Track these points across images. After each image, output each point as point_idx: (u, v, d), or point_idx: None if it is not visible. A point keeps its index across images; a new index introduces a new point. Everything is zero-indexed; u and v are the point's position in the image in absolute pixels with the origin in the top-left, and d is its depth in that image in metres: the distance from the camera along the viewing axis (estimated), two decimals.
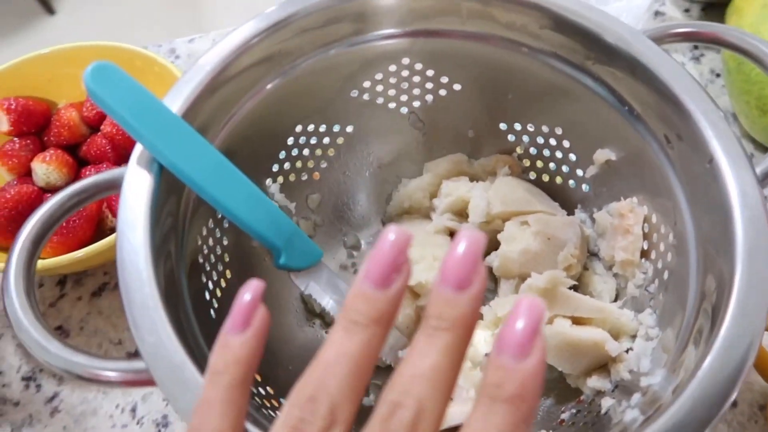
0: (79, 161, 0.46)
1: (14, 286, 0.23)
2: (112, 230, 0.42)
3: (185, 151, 0.26)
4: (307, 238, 0.30)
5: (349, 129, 0.39)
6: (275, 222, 0.29)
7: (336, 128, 0.39)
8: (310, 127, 0.38)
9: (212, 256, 0.32)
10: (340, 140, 0.40)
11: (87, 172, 0.44)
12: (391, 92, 0.39)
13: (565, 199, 0.38)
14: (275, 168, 0.37)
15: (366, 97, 0.38)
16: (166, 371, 0.22)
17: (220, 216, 0.33)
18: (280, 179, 0.38)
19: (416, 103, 0.40)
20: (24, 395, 0.41)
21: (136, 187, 0.26)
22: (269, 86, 0.32)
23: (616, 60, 0.31)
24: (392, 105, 0.40)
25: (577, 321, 0.31)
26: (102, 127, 0.45)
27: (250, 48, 0.29)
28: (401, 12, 0.33)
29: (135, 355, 0.43)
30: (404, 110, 0.40)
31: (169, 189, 0.28)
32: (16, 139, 0.46)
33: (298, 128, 0.37)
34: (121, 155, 0.45)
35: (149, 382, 0.23)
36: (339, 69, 0.35)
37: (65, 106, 0.47)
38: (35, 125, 0.46)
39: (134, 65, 0.45)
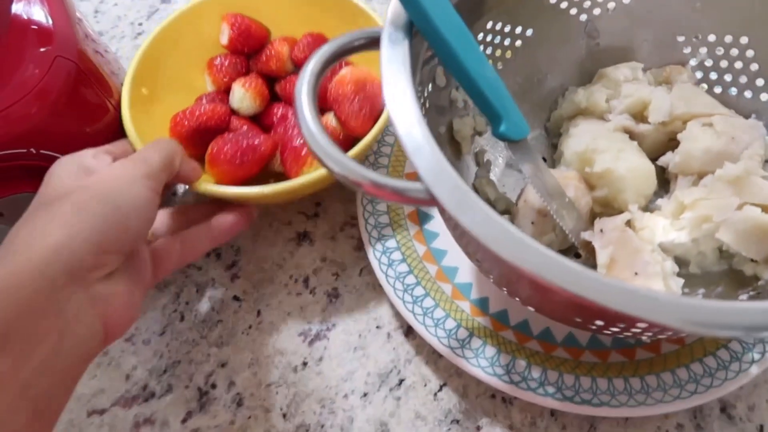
0: (272, 94, 0.47)
1: (307, 110, 0.27)
2: (277, 175, 0.42)
3: (444, 14, 0.29)
4: (519, 113, 0.33)
5: (529, 32, 0.42)
6: (501, 92, 0.32)
7: (518, 30, 0.41)
8: (498, 26, 0.40)
9: None
10: (518, 43, 0.42)
11: (276, 110, 0.45)
12: None
13: (737, 110, 0.40)
14: None
15: (553, 0, 0.40)
16: (447, 190, 0.25)
17: (426, 94, 0.36)
18: None
19: (597, 11, 0.42)
20: (205, 262, 0.46)
21: (396, 45, 0.29)
22: None
23: None
24: (573, 11, 0.42)
25: (766, 210, 0.33)
26: None
27: None
28: None
29: (304, 237, 0.46)
30: (583, 17, 0.42)
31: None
32: (228, 54, 0.47)
33: (489, 24, 0.39)
34: None
35: (426, 201, 0.26)
36: None
37: (279, 39, 0.47)
38: (249, 47, 0.47)
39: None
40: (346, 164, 0.26)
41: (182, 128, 0.42)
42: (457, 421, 0.38)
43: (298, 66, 0.47)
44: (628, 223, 0.36)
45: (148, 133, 0.41)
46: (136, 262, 0.32)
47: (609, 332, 0.30)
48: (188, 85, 0.47)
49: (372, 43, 0.30)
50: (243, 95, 0.44)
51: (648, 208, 0.39)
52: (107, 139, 0.41)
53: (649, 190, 0.38)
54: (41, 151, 0.37)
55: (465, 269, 0.41)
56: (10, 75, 0.35)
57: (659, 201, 0.38)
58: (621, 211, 0.38)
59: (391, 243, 0.42)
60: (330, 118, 0.42)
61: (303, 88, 0.27)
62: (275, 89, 0.47)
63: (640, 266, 0.34)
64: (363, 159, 0.41)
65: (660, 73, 0.42)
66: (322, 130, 0.27)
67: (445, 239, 0.42)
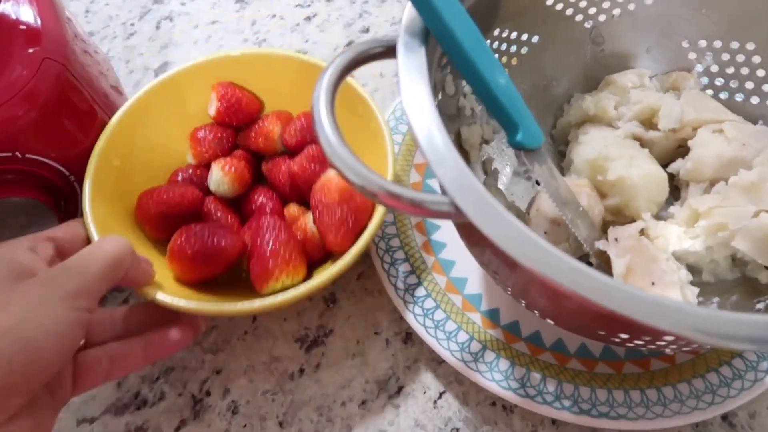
0: (256, 172, 0.43)
1: (326, 121, 0.26)
2: (246, 273, 0.37)
3: (459, 20, 0.28)
4: (534, 121, 0.32)
5: (535, 39, 0.41)
6: (516, 100, 0.31)
7: (524, 37, 0.41)
8: (504, 33, 0.39)
9: None
10: (524, 50, 0.41)
11: (258, 197, 0.41)
12: (582, 4, 0.40)
13: (744, 116, 0.39)
14: None
15: (558, 6, 0.40)
16: (473, 202, 0.24)
17: (436, 102, 0.35)
18: None
19: (602, 18, 0.41)
20: None
21: (412, 53, 0.28)
22: None
23: None
24: (579, 17, 0.41)
25: None
26: (292, 162, 0.41)
27: None
28: None
29: None
30: (588, 24, 0.42)
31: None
32: (214, 125, 0.43)
33: (496, 32, 0.39)
34: (296, 193, 0.41)
35: (447, 214, 0.25)
36: None
37: (273, 116, 0.43)
38: (238, 121, 0.43)
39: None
40: (366, 176, 0.25)
41: (148, 211, 0.38)
42: (457, 429, 0.37)
43: (287, 148, 0.42)
44: (642, 232, 0.36)
45: (114, 212, 0.37)
46: (51, 385, 0.28)
47: (631, 345, 0.29)
48: (168, 153, 0.43)
49: (389, 51, 0.29)
50: (221, 179, 0.40)
51: (659, 215, 0.38)
52: (94, 144, 0.40)
53: (661, 197, 0.38)
54: (27, 156, 0.35)
55: (474, 280, 0.40)
56: None
57: (671, 209, 0.37)
58: (632, 220, 0.38)
59: (400, 255, 0.41)
60: (308, 221, 0.38)
61: (321, 100, 0.26)
62: (261, 168, 0.43)
63: (657, 275, 0.33)
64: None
65: (666, 80, 0.41)
66: (341, 141, 0.26)
67: (452, 249, 0.41)
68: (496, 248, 0.23)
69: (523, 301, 0.31)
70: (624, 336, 0.28)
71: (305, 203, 0.40)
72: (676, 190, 0.40)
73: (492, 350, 0.37)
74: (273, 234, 0.36)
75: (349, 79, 0.39)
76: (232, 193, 0.41)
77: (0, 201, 0.35)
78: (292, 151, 0.42)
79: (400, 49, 0.28)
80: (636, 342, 0.28)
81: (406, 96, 0.27)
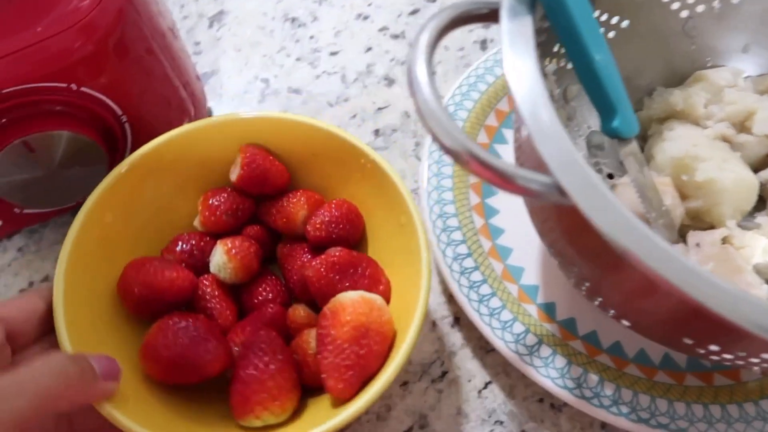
0: (270, 249, 0.38)
1: (424, 85, 0.24)
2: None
3: None
4: (631, 107, 0.30)
5: (624, 24, 0.38)
6: (617, 83, 0.29)
7: (614, 20, 0.38)
8: (596, 14, 0.37)
9: None
10: (611, 34, 0.39)
11: (264, 290, 0.36)
12: None
13: None
14: (555, 48, 0.37)
15: None
16: (581, 185, 0.22)
17: None
18: (555, 62, 0.37)
19: (700, 8, 0.38)
20: None
21: (518, 18, 0.26)
22: None
23: None
24: (675, 6, 0.38)
25: None
26: (308, 266, 0.33)
27: None
28: None
29: None
30: (684, 14, 0.39)
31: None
32: (232, 192, 0.37)
33: None
34: (308, 294, 0.34)
35: (540, 193, 0.23)
36: None
37: (300, 198, 0.36)
38: (260, 192, 0.37)
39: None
40: (460, 140, 0.23)
41: (131, 290, 0.33)
42: (501, 423, 0.36)
43: (307, 239, 0.36)
44: (724, 240, 0.34)
45: (92, 279, 0.32)
46: None
47: (716, 357, 0.27)
48: (174, 211, 0.37)
49: (492, 14, 0.27)
50: (224, 263, 0.34)
51: (740, 225, 0.36)
52: (151, 87, 0.38)
53: (748, 206, 0.35)
54: (82, 89, 0.34)
55: (531, 270, 0.38)
56: (54, 4, 0.33)
57: (758, 218, 0.35)
58: (711, 225, 0.35)
59: (457, 236, 0.39)
60: (313, 340, 0.32)
61: (418, 60, 0.24)
62: (276, 249, 0.38)
63: (742, 287, 0.31)
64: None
65: (762, 82, 0.39)
66: (440, 104, 0.24)
67: (510, 236, 0.39)
68: (598, 238, 0.22)
69: (600, 299, 0.29)
70: (713, 348, 0.26)
71: (316, 306, 0.33)
72: (761, 200, 0.37)
73: (548, 345, 0.35)
74: (264, 359, 0.30)
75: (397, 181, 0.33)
76: (234, 281, 0.35)
77: (48, 133, 0.34)
78: (314, 245, 0.36)
79: (504, 14, 0.26)
80: (723, 355, 0.26)
81: (509, 64, 0.25)
